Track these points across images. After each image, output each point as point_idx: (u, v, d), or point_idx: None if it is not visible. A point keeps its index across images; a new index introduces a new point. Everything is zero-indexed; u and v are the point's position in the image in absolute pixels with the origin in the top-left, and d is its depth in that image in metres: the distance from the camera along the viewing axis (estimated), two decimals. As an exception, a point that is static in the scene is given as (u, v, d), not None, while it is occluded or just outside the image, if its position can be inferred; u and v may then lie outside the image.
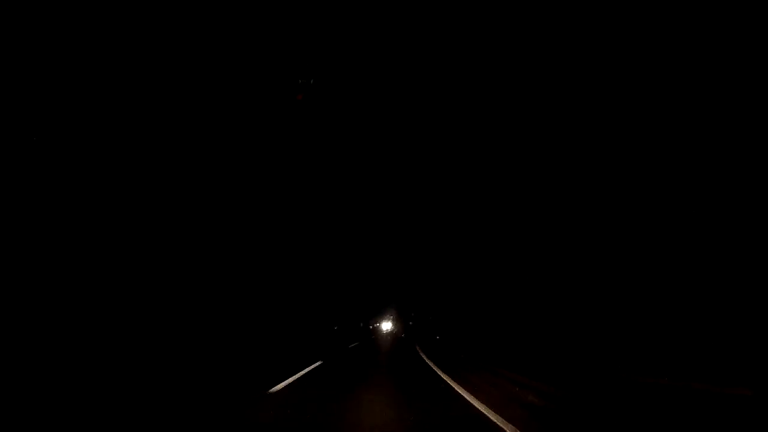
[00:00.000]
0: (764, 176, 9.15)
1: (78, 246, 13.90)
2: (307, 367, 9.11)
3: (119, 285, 14.64)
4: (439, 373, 8.98)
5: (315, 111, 21.46)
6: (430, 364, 11.01)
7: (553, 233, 17.82)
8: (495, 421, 4.68)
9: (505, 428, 4.31)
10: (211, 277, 23.58)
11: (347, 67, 19.37)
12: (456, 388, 6.87)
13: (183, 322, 17.81)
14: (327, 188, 33.00)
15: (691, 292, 10.32)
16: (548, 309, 17.52)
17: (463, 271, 29.19)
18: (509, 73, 16.27)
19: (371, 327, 50.77)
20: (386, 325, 49.21)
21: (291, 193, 31.49)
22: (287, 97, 19.26)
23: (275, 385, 6.38)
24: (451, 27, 16.33)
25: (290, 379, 7.10)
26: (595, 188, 14.49)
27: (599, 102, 12.90)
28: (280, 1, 16.01)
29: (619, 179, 12.78)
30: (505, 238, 23.08)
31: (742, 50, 9.07)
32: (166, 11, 14.20)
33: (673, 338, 9.99)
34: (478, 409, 5.28)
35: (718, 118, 9.61)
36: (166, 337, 13.94)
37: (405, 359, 13.16)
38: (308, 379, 7.42)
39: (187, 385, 6.22)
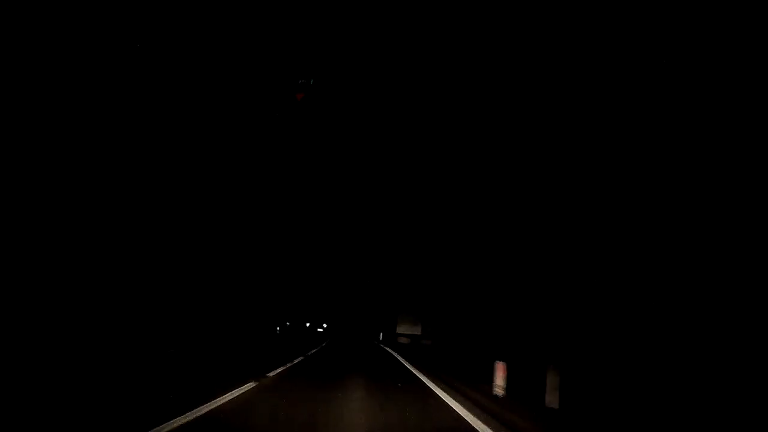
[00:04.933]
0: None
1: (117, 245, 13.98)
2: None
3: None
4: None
5: (315, 111, 21.42)
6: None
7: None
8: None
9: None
10: (209, 279, 23.54)
11: (347, 67, 19.32)
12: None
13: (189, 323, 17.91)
14: (325, 189, 32.97)
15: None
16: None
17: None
18: (510, 73, 16.22)
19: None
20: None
21: (289, 193, 31.43)
22: (287, 97, 19.22)
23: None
24: (452, 27, 16.28)
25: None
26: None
27: (589, 104, 12.88)
28: (280, 1, 15.97)
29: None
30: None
31: (742, 50, 9.03)
32: (166, 11, 14.17)
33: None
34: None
35: (717, 120, 9.57)
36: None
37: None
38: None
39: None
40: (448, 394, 9.18)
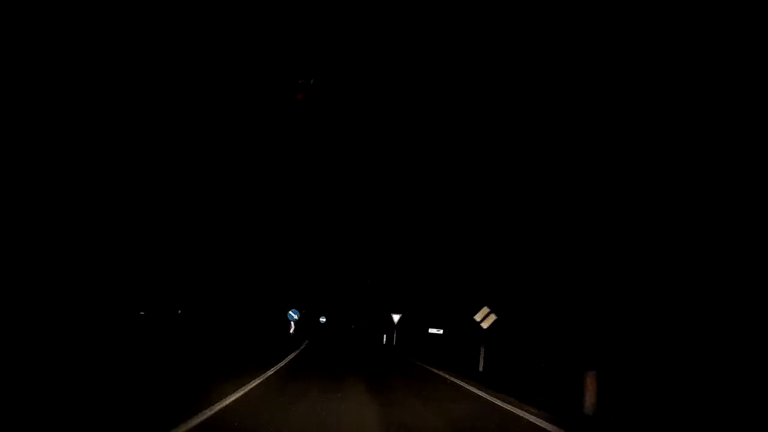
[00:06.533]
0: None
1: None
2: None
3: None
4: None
5: (315, 111, 21.43)
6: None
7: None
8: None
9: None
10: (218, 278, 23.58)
11: (346, 67, 19.34)
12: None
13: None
14: (324, 186, 33.01)
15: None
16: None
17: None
18: (508, 76, 16.24)
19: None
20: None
21: (288, 193, 31.48)
22: (287, 97, 19.23)
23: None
24: (452, 27, 16.30)
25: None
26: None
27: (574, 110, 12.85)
28: (280, 1, 15.98)
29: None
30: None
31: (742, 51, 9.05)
32: (166, 11, 14.18)
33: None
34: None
35: (717, 122, 9.59)
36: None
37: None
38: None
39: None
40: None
